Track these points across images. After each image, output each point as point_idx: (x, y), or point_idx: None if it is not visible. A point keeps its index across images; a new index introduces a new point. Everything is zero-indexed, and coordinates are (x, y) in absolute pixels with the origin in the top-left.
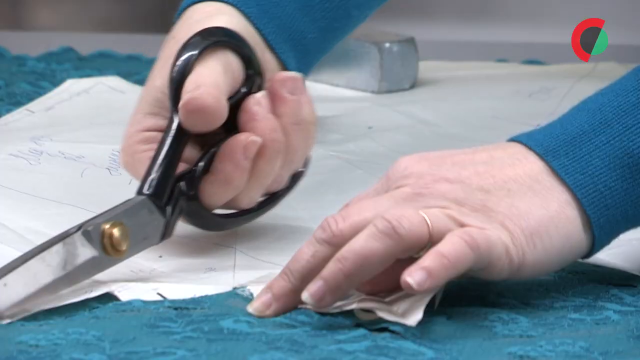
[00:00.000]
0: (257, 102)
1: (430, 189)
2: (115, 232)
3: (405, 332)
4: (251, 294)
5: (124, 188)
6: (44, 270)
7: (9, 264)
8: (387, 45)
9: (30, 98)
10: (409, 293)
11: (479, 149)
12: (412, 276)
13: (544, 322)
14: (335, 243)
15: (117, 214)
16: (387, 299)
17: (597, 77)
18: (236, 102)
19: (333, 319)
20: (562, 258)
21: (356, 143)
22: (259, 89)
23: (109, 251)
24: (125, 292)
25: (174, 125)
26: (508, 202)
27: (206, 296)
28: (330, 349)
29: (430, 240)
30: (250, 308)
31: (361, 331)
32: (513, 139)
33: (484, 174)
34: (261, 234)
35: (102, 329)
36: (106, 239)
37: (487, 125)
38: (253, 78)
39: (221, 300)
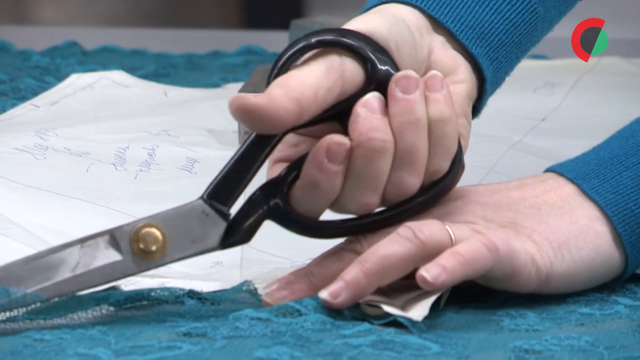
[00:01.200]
0: (363, 103)
1: (459, 209)
2: (145, 234)
3: (412, 326)
4: (255, 289)
5: (130, 183)
6: (45, 273)
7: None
8: None
9: (34, 93)
10: (416, 290)
11: (512, 180)
12: (428, 271)
13: (553, 316)
14: (362, 252)
15: (155, 216)
16: (393, 295)
17: (601, 71)
18: (350, 107)
19: (338, 314)
20: (592, 272)
21: None
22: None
23: (140, 255)
24: (132, 287)
25: None
26: (536, 219)
27: (213, 291)
28: (335, 343)
29: None
30: (268, 299)
31: (366, 326)
32: (547, 170)
33: (515, 197)
34: (268, 228)
35: (107, 323)
36: (134, 242)
37: (492, 119)
38: (373, 79)
39: (228, 295)
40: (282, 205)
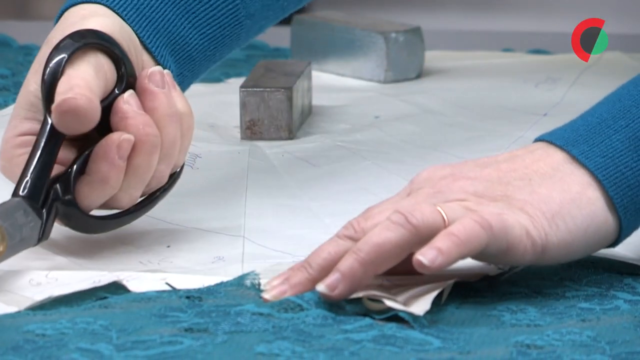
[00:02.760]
0: (126, 101)
1: (450, 187)
2: None
3: (413, 321)
4: (259, 284)
5: None
6: None
7: None
8: (394, 34)
9: None
10: (418, 286)
11: (501, 153)
12: (424, 255)
13: (553, 311)
14: (357, 239)
15: None
16: (394, 290)
17: (603, 66)
18: (109, 104)
19: (340, 309)
20: (588, 239)
21: (363, 133)
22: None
23: None
24: (134, 282)
25: (48, 127)
26: (528, 190)
27: (215, 285)
28: (337, 338)
29: None
30: (267, 295)
31: (368, 321)
32: (536, 139)
33: (505, 169)
34: (269, 223)
35: (110, 318)
36: None
37: (494, 114)
38: (124, 79)
39: (230, 290)
40: (73, 201)
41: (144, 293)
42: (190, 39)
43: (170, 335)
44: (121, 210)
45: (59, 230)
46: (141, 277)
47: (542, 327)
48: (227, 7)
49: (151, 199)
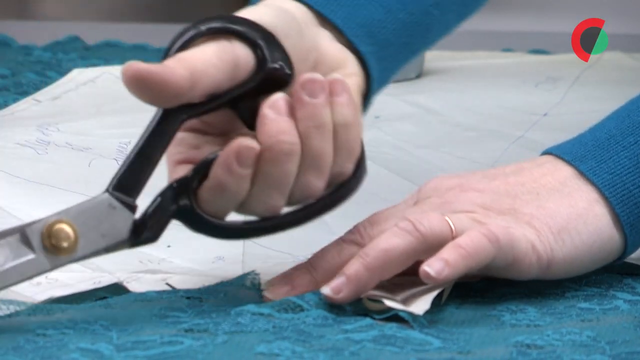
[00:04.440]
0: (270, 104)
1: (458, 197)
2: (57, 230)
3: (413, 321)
4: (259, 284)
5: None
6: None
7: None
8: None
9: (36, 87)
10: (418, 285)
11: (509, 165)
12: (431, 266)
13: (553, 311)
14: (363, 244)
15: (64, 211)
16: (394, 290)
17: (603, 66)
18: (245, 94)
19: (340, 309)
20: (593, 255)
21: (363, 133)
22: (280, 85)
23: (52, 251)
24: (134, 283)
25: (157, 116)
26: (535, 204)
27: (215, 285)
28: (337, 338)
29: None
30: (269, 294)
31: (368, 321)
32: (544, 152)
33: (513, 182)
34: None
35: (110, 319)
36: (46, 239)
37: (494, 114)
38: (263, 68)
39: (230, 290)
40: (190, 206)
41: (144, 293)
42: (385, 22)
43: (170, 335)
44: (262, 219)
45: None
46: (141, 278)
47: (542, 327)
48: None
49: (305, 211)
